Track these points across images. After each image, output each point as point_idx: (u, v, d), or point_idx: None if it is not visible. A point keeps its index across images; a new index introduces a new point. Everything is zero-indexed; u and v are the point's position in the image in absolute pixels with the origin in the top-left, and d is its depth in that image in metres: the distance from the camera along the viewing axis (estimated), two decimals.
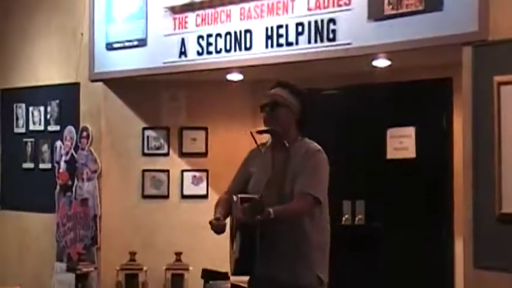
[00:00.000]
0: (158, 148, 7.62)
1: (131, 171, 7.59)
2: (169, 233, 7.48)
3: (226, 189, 4.62)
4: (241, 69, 6.73)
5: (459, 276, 5.96)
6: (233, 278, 5.45)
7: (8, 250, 8.59)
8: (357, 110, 6.95)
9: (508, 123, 5.00)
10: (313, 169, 4.32)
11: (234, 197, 4.29)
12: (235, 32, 6.46)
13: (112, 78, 7.45)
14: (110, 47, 7.39)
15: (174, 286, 7.36)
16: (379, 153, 6.75)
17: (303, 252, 4.30)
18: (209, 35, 6.63)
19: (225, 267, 4.46)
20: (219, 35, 6.56)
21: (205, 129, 7.60)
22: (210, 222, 4.35)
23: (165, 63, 6.92)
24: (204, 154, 7.61)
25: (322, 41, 5.97)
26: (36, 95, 8.27)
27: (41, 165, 8.23)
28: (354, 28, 5.78)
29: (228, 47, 6.52)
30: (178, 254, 7.33)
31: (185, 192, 7.59)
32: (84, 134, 7.66)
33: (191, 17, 6.76)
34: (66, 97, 7.92)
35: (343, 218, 6.90)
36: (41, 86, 8.21)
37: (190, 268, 7.25)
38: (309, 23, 6.01)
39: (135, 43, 7.17)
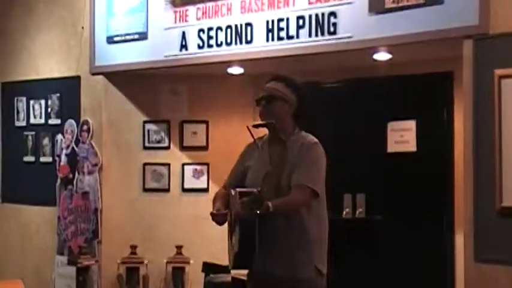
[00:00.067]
0: (159, 141, 7.62)
1: (132, 164, 7.59)
2: (170, 227, 7.49)
3: (223, 183, 4.64)
4: (241, 62, 6.72)
5: (460, 269, 5.97)
6: (234, 272, 5.46)
7: (9, 243, 8.60)
8: (358, 103, 6.96)
9: (508, 117, 5.00)
10: (310, 162, 4.32)
11: (232, 191, 4.29)
12: (235, 26, 6.46)
13: (113, 72, 7.45)
14: (110, 40, 7.39)
15: (174, 279, 7.37)
16: (380, 147, 6.75)
17: (302, 245, 4.30)
18: (210, 29, 6.62)
19: (226, 260, 4.47)
20: (219, 28, 6.56)
21: (206, 122, 7.61)
22: (211, 214, 4.36)
23: (165, 56, 6.92)
24: (205, 147, 7.61)
25: (323, 34, 5.96)
26: (36, 88, 8.27)
27: (42, 159, 8.23)
28: (355, 21, 5.77)
29: (228, 41, 6.52)
30: (179, 248, 7.34)
31: (186, 186, 7.59)
32: (85, 127, 7.66)
33: (192, 10, 6.75)
34: (66, 90, 7.92)
35: (344, 212, 6.91)
36: (41, 80, 8.22)
37: (191, 261, 7.26)
38: (310, 17, 6.01)
39: (136, 36, 7.17)
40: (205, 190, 7.46)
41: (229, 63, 6.81)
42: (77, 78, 7.77)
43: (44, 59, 8.20)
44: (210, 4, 6.63)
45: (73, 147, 7.78)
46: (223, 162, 4.78)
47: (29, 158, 8.36)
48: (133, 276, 7.40)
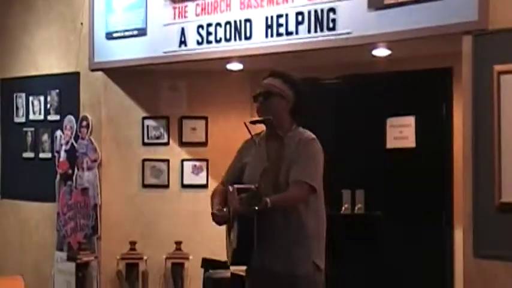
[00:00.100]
0: (158, 137, 7.62)
1: (131, 160, 7.59)
2: (170, 223, 7.49)
3: (221, 180, 4.64)
4: (241, 58, 6.72)
5: (459, 265, 5.98)
6: (233, 267, 5.46)
7: (8, 239, 8.60)
8: (357, 99, 6.96)
9: (507, 112, 5.01)
10: (308, 157, 4.33)
11: (230, 188, 4.30)
12: (235, 22, 6.46)
13: (112, 68, 7.45)
14: (109, 36, 7.39)
15: (174, 275, 7.38)
16: (379, 143, 6.75)
17: (299, 240, 4.31)
18: (209, 25, 6.62)
19: (225, 256, 4.48)
20: (218, 24, 6.56)
21: (205, 118, 7.61)
22: (212, 214, 4.37)
23: (165, 52, 6.92)
24: (204, 143, 7.61)
25: (322, 30, 5.96)
26: (36, 84, 8.26)
27: (41, 155, 8.23)
28: (354, 17, 5.77)
29: (227, 37, 6.52)
30: (178, 243, 7.34)
31: (185, 182, 7.60)
32: (84, 123, 7.66)
33: (191, 6, 6.75)
34: (66, 86, 7.92)
35: (343, 207, 6.91)
36: (40, 76, 8.21)
37: (190, 257, 7.27)
38: (309, 12, 6.01)
39: (135, 32, 7.17)
40: (205, 186, 7.47)
41: (229, 59, 6.81)
42: (76, 74, 7.77)
43: (43, 55, 8.19)
44: (209, 0, 6.62)
45: (72, 143, 7.78)
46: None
47: (28, 154, 8.36)
48: (132, 272, 7.40)
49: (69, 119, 7.83)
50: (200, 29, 6.67)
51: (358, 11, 5.74)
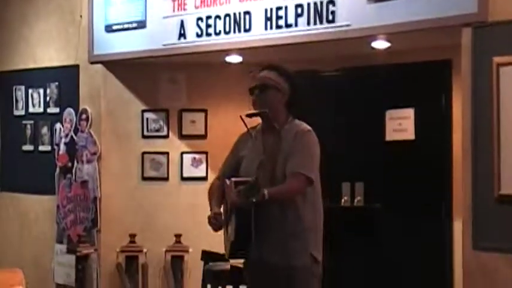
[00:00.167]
0: (158, 130, 7.62)
1: (131, 153, 7.59)
2: (169, 215, 7.50)
3: (217, 174, 4.65)
4: (240, 51, 6.72)
5: (458, 257, 5.99)
6: (232, 260, 5.47)
7: (8, 232, 8.61)
8: (356, 91, 6.96)
9: (507, 104, 5.01)
10: (304, 149, 4.33)
11: (227, 181, 4.31)
12: (234, 14, 6.45)
13: (111, 61, 7.45)
14: (109, 29, 7.38)
15: (173, 268, 7.39)
16: (378, 135, 6.76)
17: (296, 233, 4.32)
18: (208, 17, 6.62)
19: (224, 249, 4.49)
20: (218, 16, 6.56)
21: (205, 111, 7.61)
22: (208, 218, 4.38)
23: (164, 45, 6.91)
24: (204, 136, 7.61)
25: (321, 22, 5.96)
26: (35, 77, 8.26)
27: (41, 148, 8.23)
28: (353, 9, 5.77)
29: (227, 29, 6.51)
30: (178, 236, 7.35)
31: (185, 175, 7.60)
32: (84, 116, 7.65)
33: None
34: (65, 79, 7.91)
35: (342, 200, 6.92)
36: (40, 68, 8.20)
37: (190, 250, 7.28)
38: (308, 5, 6.00)
39: (135, 25, 7.16)
40: (204, 179, 7.46)
41: (228, 52, 6.81)
42: (76, 67, 7.76)
43: (42, 47, 8.19)
44: None
45: (72, 136, 7.78)
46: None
47: (28, 147, 8.36)
48: (132, 265, 7.41)
49: (69, 111, 7.83)
50: (199, 22, 6.67)
51: (358, 3, 5.73)
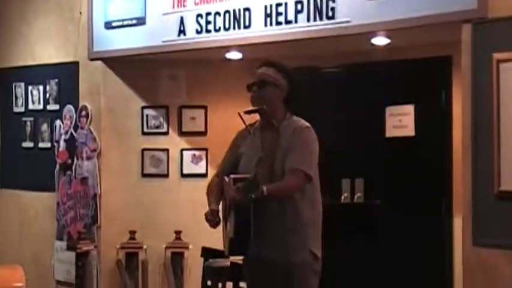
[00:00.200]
0: (157, 127, 7.62)
1: (131, 150, 7.59)
2: (169, 212, 7.50)
3: (216, 171, 4.65)
4: (240, 47, 6.71)
5: (458, 253, 5.99)
6: (232, 257, 5.47)
7: (8, 229, 8.61)
8: (356, 88, 6.95)
9: (507, 100, 5.00)
10: (303, 146, 4.34)
11: (226, 178, 4.31)
12: (234, 10, 6.45)
13: (111, 57, 7.44)
14: (108, 25, 7.38)
15: (174, 264, 7.39)
16: (378, 131, 6.76)
17: (295, 229, 4.32)
18: (208, 14, 6.61)
19: None
20: (218, 13, 6.55)
21: (205, 107, 7.60)
22: (205, 215, 4.38)
23: (164, 41, 6.91)
24: (204, 133, 7.61)
25: (321, 19, 5.96)
26: (35, 74, 8.25)
27: (41, 144, 8.23)
28: (353, 6, 5.77)
29: (227, 26, 6.51)
30: (178, 233, 7.35)
31: (185, 171, 7.60)
32: (83, 113, 7.65)
33: None
34: (65, 76, 7.91)
35: (342, 196, 6.91)
36: (40, 65, 8.20)
37: (190, 246, 7.28)
38: (308, 1, 5.99)
39: (134, 22, 7.16)
40: (204, 175, 7.46)
41: (228, 49, 6.80)
42: (75, 63, 7.76)
43: (41, 44, 8.18)
44: None
45: (72, 133, 7.78)
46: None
47: (28, 144, 8.35)
48: (132, 262, 7.42)
49: (69, 108, 7.83)
50: (199, 18, 6.67)
51: (357, 0, 5.73)
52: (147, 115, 7.60)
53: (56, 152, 7.96)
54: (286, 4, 6.12)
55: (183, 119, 7.61)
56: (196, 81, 7.58)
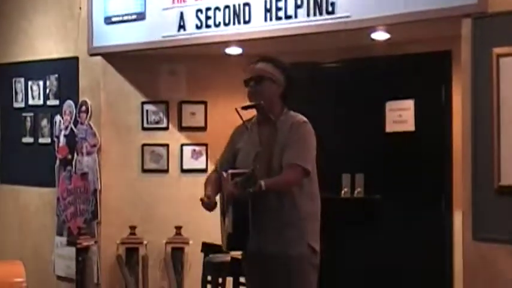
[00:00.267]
0: (157, 122, 7.61)
1: (131, 145, 7.59)
2: (169, 207, 7.50)
3: (214, 167, 4.66)
4: (240, 42, 6.71)
5: (458, 248, 5.99)
6: (232, 252, 5.48)
7: (8, 224, 8.61)
8: (356, 83, 6.95)
9: (507, 95, 5.01)
10: (301, 140, 4.35)
11: (224, 173, 4.32)
12: (233, 6, 6.45)
13: (111, 53, 7.44)
14: (108, 21, 7.37)
15: (174, 260, 7.39)
16: (378, 127, 6.76)
17: (293, 222, 4.33)
18: (208, 9, 6.61)
19: None
20: (217, 8, 6.55)
21: (205, 103, 7.60)
22: (201, 199, 4.39)
23: (163, 37, 6.90)
24: (204, 128, 7.61)
25: (321, 14, 5.95)
26: (35, 69, 8.25)
27: (41, 140, 8.23)
28: (353, 1, 5.77)
29: (226, 21, 6.50)
30: (178, 228, 7.36)
31: (185, 167, 7.60)
32: (83, 108, 7.65)
33: None
34: (65, 71, 7.90)
35: (342, 191, 6.91)
36: (40, 61, 8.19)
37: (190, 242, 7.28)
38: None
39: (134, 17, 7.15)
40: (204, 171, 7.46)
41: (228, 44, 6.80)
42: (75, 59, 7.76)
43: (41, 39, 8.17)
44: None
45: (72, 128, 7.77)
46: (221, 143, 4.78)
47: (28, 139, 8.35)
48: (132, 257, 7.42)
49: (69, 104, 7.83)
50: (199, 13, 6.66)
51: None
52: (147, 110, 7.60)
53: (56, 148, 7.96)
54: None
55: (183, 115, 7.61)
56: (196, 76, 7.57)
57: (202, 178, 5.93)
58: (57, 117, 7.96)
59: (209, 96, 7.57)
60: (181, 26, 6.78)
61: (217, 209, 4.55)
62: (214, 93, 7.54)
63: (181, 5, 6.79)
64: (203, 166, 7.54)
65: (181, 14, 6.77)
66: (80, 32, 7.64)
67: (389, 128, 6.75)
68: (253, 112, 4.54)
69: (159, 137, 7.60)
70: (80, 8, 7.62)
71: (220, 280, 6.41)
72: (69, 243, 7.55)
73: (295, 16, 6.08)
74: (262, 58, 4.53)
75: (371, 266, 6.70)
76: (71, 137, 7.78)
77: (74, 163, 7.75)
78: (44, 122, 8.17)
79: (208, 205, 4.39)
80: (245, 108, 4.45)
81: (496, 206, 5.08)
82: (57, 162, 7.94)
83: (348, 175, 6.93)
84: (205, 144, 7.57)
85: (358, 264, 6.75)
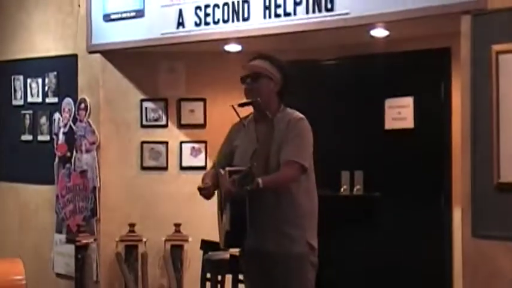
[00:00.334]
0: (156, 120, 7.61)
1: (130, 142, 7.58)
2: (169, 205, 7.50)
3: (212, 164, 4.66)
4: (239, 40, 6.70)
5: (457, 245, 5.99)
6: (232, 249, 5.48)
7: (7, 222, 8.61)
8: (355, 80, 6.95)
9: (506, 92, 5.00)
10: (298, 137, 4.35)
11: (221, 171, 4.31)
12: (232, 3, 6.44)
13: (110, 50, 7.43)
14: (107, 18, 7.37)
15: (173, 257, 7.38)
16: (378, 124, 6.75)
17: (291, 220, 4.33)
18: (207, 6, 6.60)
19: None
20: (216, 5, 6.54)
21: (204, 100, 7.59)
22: (198, 188, 4.39)
23: (162, 34, 6.90)
24: (203, 125, 7.60)
25: (320, 11, 5.95)
26: (34, 66, 8.24)
27: (40, 137, 8.22)
28: None
29: (225, 18, 6.50)
30: (177, 225, 7.35)
31: (184, 164, 7.59)
32: (82, 105, 7.64)
33: None
34: (64, 69, 7.90)
35: (342, 189, 6.91)
36: (38, 58, 8.19)
37: (190, 239, 7.28)
38: None
39: (133, 14, 7.14)
40: (203, 168, 7.44)
41: (227, 41, 6.79)
42: (74, 56, 7.75)
43: (40, 37, 8.17)
44: None
45: (71, 126, 7.77)
46: (221, 140, 4.78)
47: (27, 137, 8.34)
48: (132, 254, 7.41)
49: (68, 101, 7.82)
50: (198, 10, 6.66)
51: None
52: (146, 108, 7.60)
53: (55, 145, 7.96)
54: None
55: (182, 112, 7.60)
56: (195, 73, 7.57)
57: (201, 175, 5.94)
58: (56, 115, 7.95)
59: (208, 93, 7.56)
60: (180, 23, 6.77)
61: (215, 207, 4.55)
62: (213, 91, 7.54)
63: (180, 2, 6.78)
64: (202, 163, 7.53)
65: (180, 11, 6.77)
66: (78, 30, 7.64)
67: (389, 125, 6.74)
68: (250, 109, 4.54)
69: (158, 135, 7.60)
70: (79, 5, 7.61)
71: (219, 277, 6.41)
72: (69, 240, 7.54)
73: (295, 13, 6.08)
74: (258, 55, 4.54)
75: (370, 263, 6.70)
76: (70, 135, 7.78)
77: (73, 160, 7.74)
78: (43, 120, 8.16)
79: (206, 191, 4.39)
80: (242, 105, 4.45)
81: (495, 202, 5.08)
82: (56, 159, 7.93)
83: (347, 172, 6.93)
84: (205, 142, 7.56)
85: (358, 261, 6.74)
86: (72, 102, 7.77)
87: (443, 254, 6.47)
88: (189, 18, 6.71)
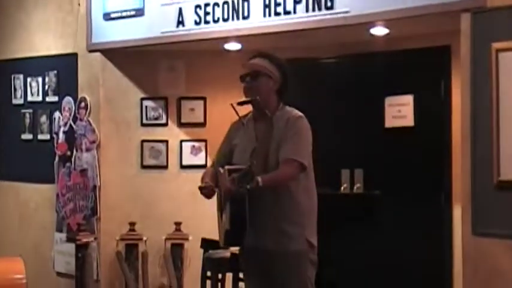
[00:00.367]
0: (157, 118, 7.61)
1: (130, 141, 7.58)
2: (169, 203, 7.50)
3: (211, 163, 4.66)
4: (239, 38, 6.70)
5: (457, 243, 5.99)
6: (232, 248, 5.48)
7: (7, 221, 8.61)
8: (355, 78, 6.95)
9: (506, 90, 5.00)
10: (297, 135, 4.35)
11: (221, 169, 4.31)
12: (232, 1, 6.44)
13: (110, 49, 7.43)
14: (107, 17, 7.36)
15: (173, 256, 7.38)
16: (378, 122, 6.75)
17: (291, 217, 4.34)
18: (206, 4, 6.60)
19: None
20: (216, 4, 6.54)
21: (204, 99, 7.59)
22: (199, 187, 4.40)
23: (162, 33, 6.90)
24: (203, 124, 7.60)
25: (320, 9, 5.95)
26: (34, 65, 8.24)
27: (40, 136, 8.22)
28: None
29: (225, 16, 6.50)
30: (177, 224, 7.35)
31: (184, 163, 7.59)
32: (83, 104, 7.64)
33: None
34: (64, 68, 7.90)
35: (342, 187, 6.91)
36: (38, 57, 8.19)
37: (190, 238, 7.28)
38: None
39: (133, 13, 7.14)
40: (203, 167, 7.42)
41: (226, 39, 6.79)
42: (74, 55, 7.75)
43: (40, 36, 8.16)
44: None
45: (71, 125, 7.77)
46: (221, 139, 4.78)
47: (27, 136, 8.34)
48: (132, 253, 7.41)
49: (68, 100, 7.82)
50: (198, 9, 6.65)
51: None
52: (146, 106, 7.60)
53: (55, 144, 7.96)
54: None
55: (182, 110, 7.60)
56: (195, 72, 7.57)
57: (201, 174, 5.94)
58: (56, 114, 7.95)
59: (208, 92, 7.56)
60: (180, 22, 6.77)
61: (215, 205, 4.55)
62: (213, 89, 7.53)
63: (180, 0, 6.78)
64: (202, 162, 7.53)
65: (180, 9, 6.77)
66: (78, 28, 7.64)
67: (389, 123, 6.74)
68: (249, 108, 4.54)
69: (158, 133, 7.60)
70: (79, 4, 7.61)
71: (219, 276, 6.42)
72: (69, 239, 7.54)
73: (294, 12, 6.08)
74: (258, 54, 4.54)
75: (371, 261, 6.70)
76: (70, 134, 7.78)
77: (73, 159, 7.74)
78: (43, 119, 8.16)
79: (206, 190, 4.39)
80: (241, 103, 4.45)
81: (495, 200, 5.08)
82: (57, 158, 7.93)
83: (347, 171, 6.92)
84: (205, 140, 7.56)
85: (358, 259, 6.74)
86: (72, 101, 7.77)
87: (443, 252, 6.47)
88: (189, 17, 6.71)
